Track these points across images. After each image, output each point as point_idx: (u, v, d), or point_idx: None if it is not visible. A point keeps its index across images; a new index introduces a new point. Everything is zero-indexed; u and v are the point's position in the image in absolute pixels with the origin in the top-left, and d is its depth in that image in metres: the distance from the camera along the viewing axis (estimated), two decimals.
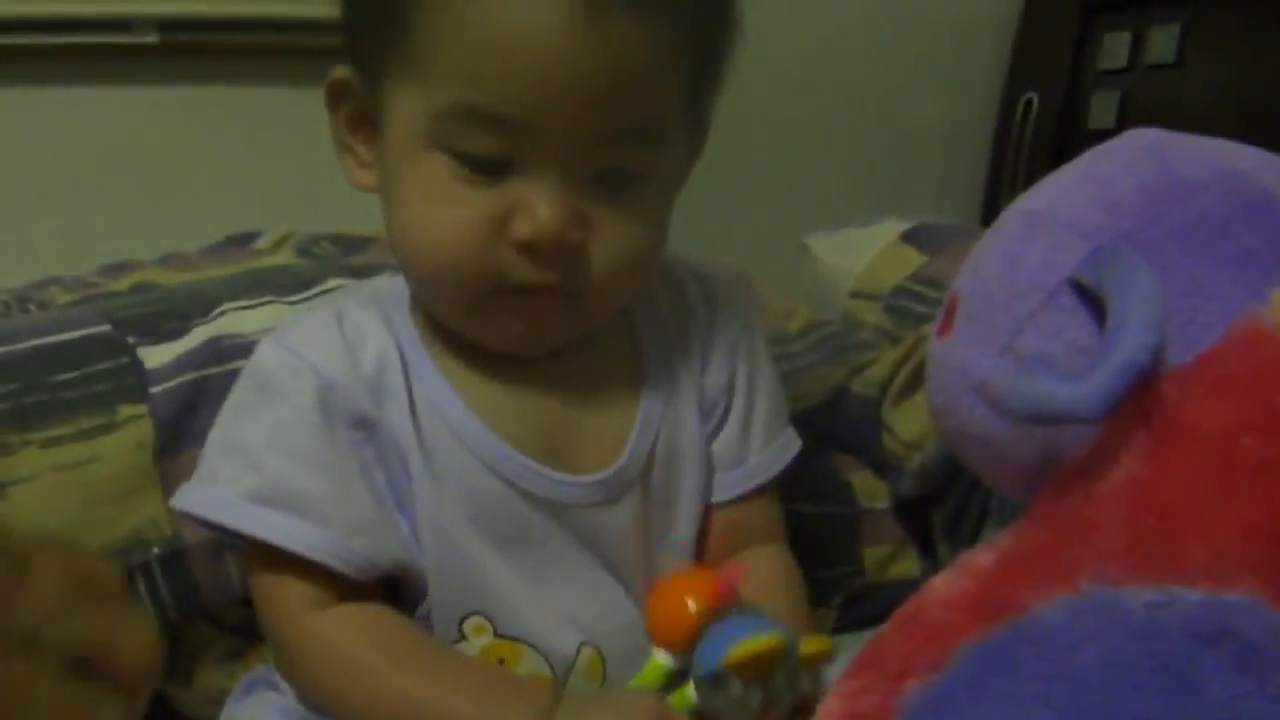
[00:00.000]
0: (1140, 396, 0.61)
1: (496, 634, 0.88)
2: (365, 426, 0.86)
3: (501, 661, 0.88)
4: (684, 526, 0.96)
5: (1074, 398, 0.60)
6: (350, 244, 1.44)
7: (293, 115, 1.68)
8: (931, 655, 0.64)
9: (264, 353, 0.89)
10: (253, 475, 0.85)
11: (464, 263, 0.82)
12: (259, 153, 1.82)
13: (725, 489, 0.99)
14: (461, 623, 0.87)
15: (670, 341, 0.98)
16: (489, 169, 0.80)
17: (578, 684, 0.89)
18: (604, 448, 0.92)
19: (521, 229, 0.80)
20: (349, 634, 0.85)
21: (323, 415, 0.86)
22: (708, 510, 0.99)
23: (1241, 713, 0.53)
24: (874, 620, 0.81)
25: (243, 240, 1.49)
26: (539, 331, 0.87)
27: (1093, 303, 0.65)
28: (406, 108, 0.82)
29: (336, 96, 0.90)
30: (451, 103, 0.79)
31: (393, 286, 0.95)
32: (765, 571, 0.99)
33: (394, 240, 0.87)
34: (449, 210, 0.81)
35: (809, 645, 0.80)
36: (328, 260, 1.38)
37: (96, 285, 1.30)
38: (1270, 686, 0.53)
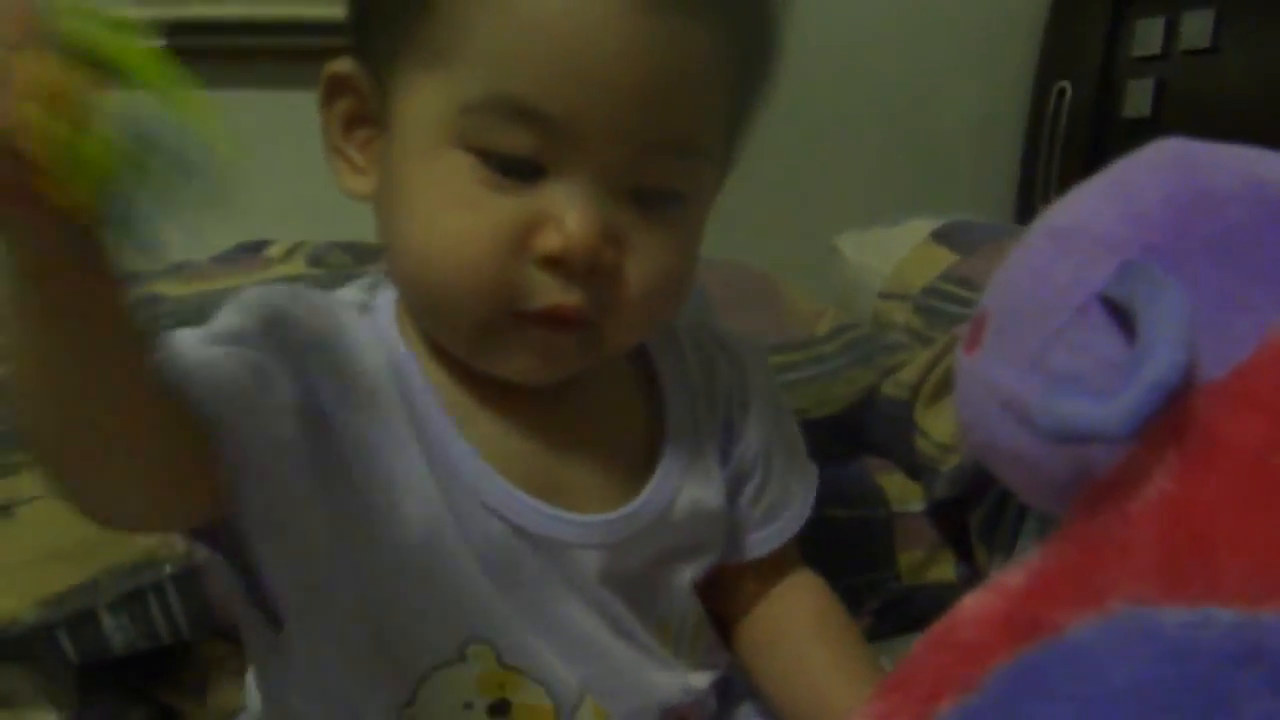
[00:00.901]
0: (1172, 412, 0.61)
1: (500, 663, 0.85)
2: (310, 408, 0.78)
3: (502, 687, 0.86)
4: (688, 580, 0.94)
5: (1103, 418, 0.60)
6: (363, 253, 1.44)
7: (302, 120, 1.70)
8: (962, 676, 0.64)
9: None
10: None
11: (479, 278, 0.75)
12: (267, 159, 1.82)
13: (760, 545, 0.99)
14: (464, 647, 0.84)
15: (696, 401, 0.95)
16: (518, 171, 0.74)
17: (584, 714, 0.88)
18: (610, 489, 0.89)
19: (549, 241, 0.74)
20: None
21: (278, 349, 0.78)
22: (722, 567, 0.97)
23: None
24: (909, 627, 0.81)
25: (253, 249, 1.50)
26: (551, 365, 0.82)
27: (1122, 318, 0.65)
28: (425, 100, 0.76)
29: (332, 92, 0.83)
30: (483, 93, 0.73)
31: (380, 299, 0.88)
32: (811, 606, 1.00)
33: (395, 252, 0.81)
34: (467, 216, 0.75)
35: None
36: (340, 270, 1.38)
37: None
38: None
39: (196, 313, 1.15)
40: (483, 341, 0.79)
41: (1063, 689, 0.59)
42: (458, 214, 0.74)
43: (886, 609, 1.31)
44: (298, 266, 1.41)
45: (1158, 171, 0.70)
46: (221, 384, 0.71)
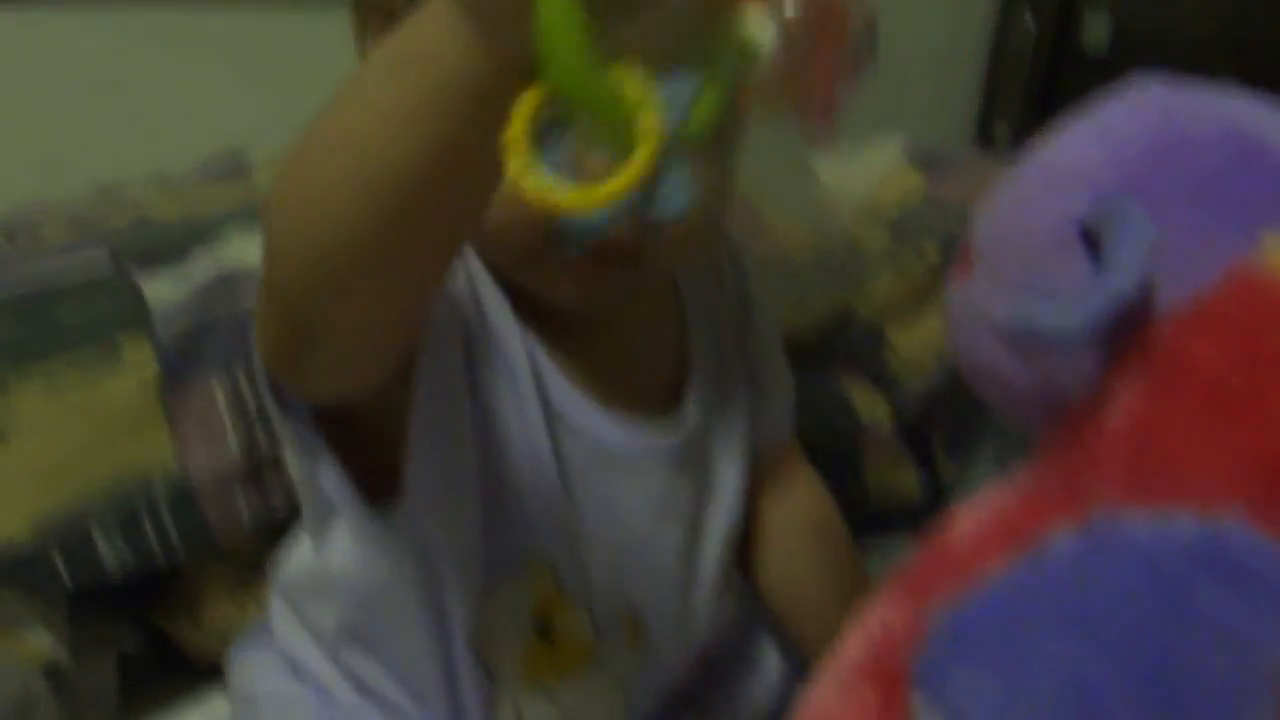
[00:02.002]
0: (1140, 337, 0.68)
1: (557, 585, 0.89)
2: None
3: (551, 611, 0.90)
4: (732, 484, 0.98)
5: (1063, 322, 0.67)
6: None
7: (279, 36, 1.71)
8: (955, 582, 0.71)
9: None
10: None
11: (526, 211, 0.76)
12: (246, 74, 1.83)
13: (767, 441, 1.04)
14: (528, 563, 0.88)
15: (713, 307, 0.99)
16: None
17: (618, 646, 0.93)
18: (660, 405, 0.93)
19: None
20: None
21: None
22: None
23: (1231, 624, 0.59)
24: (875, 531, 0.86)
25: (232, 158, 1.52)
26: (597, 293, 0.84)
27: (1097, 248, 0.71)
28: None
29: (366, 9, 0.83)
30: None
31: None
32: (805, 503, 1.06)
33: None
34: None
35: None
36: None
37: (91, 219, 1.30)
38: (1257, 600, 0.60)
39: (187, 234, 1.18)
40: (530, 270, 0.82)
41: (1045, 593, 0.66)
42: None
43: (852, 514, 1.33)
44: None
45: (1140, 115, 0.76)
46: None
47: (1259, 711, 0.58)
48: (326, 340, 0.67)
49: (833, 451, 1.35)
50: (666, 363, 0.96)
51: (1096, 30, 2.18)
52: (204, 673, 1.17)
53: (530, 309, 0.86)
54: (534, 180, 0.50)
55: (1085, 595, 0.65)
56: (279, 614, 1.00)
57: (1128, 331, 0.68)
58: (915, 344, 1.43)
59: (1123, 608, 0.63)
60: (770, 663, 1.07)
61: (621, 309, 0.90)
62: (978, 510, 0.76)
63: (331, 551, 0.93)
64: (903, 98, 2.30)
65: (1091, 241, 0.71)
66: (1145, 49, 2.10)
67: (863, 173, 1.68)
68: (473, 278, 0.85)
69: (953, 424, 1.40)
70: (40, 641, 1.03)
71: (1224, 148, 0.73)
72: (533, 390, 0.86)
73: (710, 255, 0.97)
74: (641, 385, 0.93)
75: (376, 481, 0.86)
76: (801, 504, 1.09)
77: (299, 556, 0.98)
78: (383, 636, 0.93)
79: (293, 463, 0.94)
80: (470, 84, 0.54)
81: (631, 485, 0.91)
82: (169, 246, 1.15)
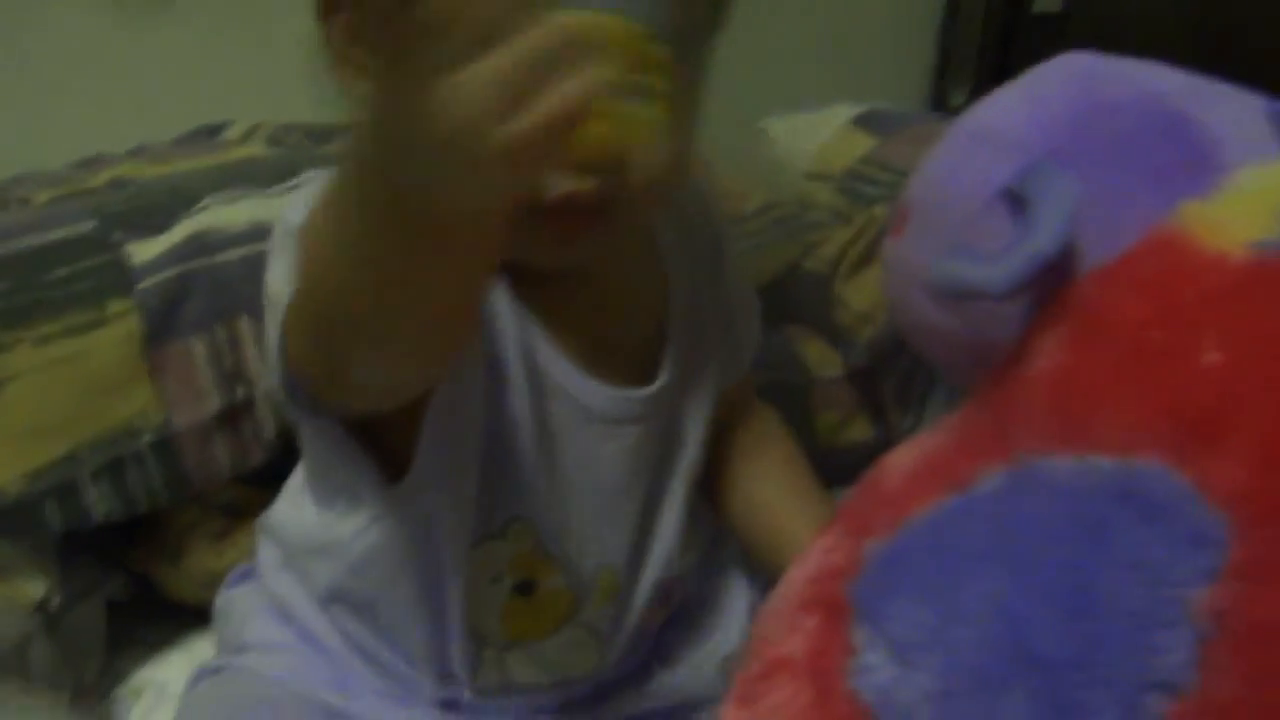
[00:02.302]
0: (1064, 293, 0.73)
1: (537, 545, 0.93)
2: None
3: (532, 569, 0.94)
4: (698, 431, 1.02)
5: (986, 276, 0.71)
6: (319, 134, 1.49)
7: (256, 7, 1.73)
8: (890, 519, 0.76)
9: None
10: None
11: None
12: (223, 45, 1.85)
13: (729, 375, 1.07)
14: (509, 524, 0.92)
15: (688, 260, 1.02)
16: None
17: (594, 597, 0.97)
18: (639, 363, 0.96)
19: None
20: None
21: None
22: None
23: (1145, 557, 0.64)
24: (828, 483, 0.91)
25: (212, 131, 1.55)
26: (573, 249, 0.87)
27: (1022, 208, 0.75)
28: None
29: (331, 5, 0.85)
30: None
31: None
32: (773, 432, 1.11)
33: None
34: None
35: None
36: (299, 151, 1.44)
37: (73, 181, 1.35)
38: (1170, 535, 0.64)
39: (168, 194, 1.22)
40: (512, 235, 0.84)
41: (973, 528, 0.72)
42: None
43: None
44: (258, 148, 1.45)
45: (1064, 82, 0.80)
46: None
47: (1174, 638, 0.63)
48: (357, 377, 0.74)
49: (785, 403, 1.35)
50: (647, 322, 0.99)
51: None
52: (185, 616, 1.22)
53: (514, 276, 0.89)
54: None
55: (1011, 530, 0.70)
56: (270, 563, 1.04)
57: (1051, 287, 0.73)
58: (865, 298, 1.47)
59: (1045, 542, 0.68)
60: (735, 617, 1.11)
61: (605, 272, 0.93)
62: (911, 452, 0.81)
63: (333, 519, 0.96)
64: (859, 61, 2.33)
65: (1017, 203, 0.75)
66: (1098, 8, 2.13)
67: (812, 135, 1.73)
68: None
69: (903, 375, 1.45)
70: (33, 587, 1.08)
71: (1147, 116, 0.77)
72: (519, 354, 0.89)
73: (677, 205, 1.00)
74: (622, 345, 0.96)
75: (384, 461, 0.90)
76: (763, 430, 1.13)
77: (300, 518, 1.01)
78: (375, 601, 0.96)
79: (306, 445, 0.99)
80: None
81: (608, 442, 0.94)
82: (155, 214, 1.19)
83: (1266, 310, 0.67)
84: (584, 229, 0.84)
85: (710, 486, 1.10)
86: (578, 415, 0.92)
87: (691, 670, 1.06)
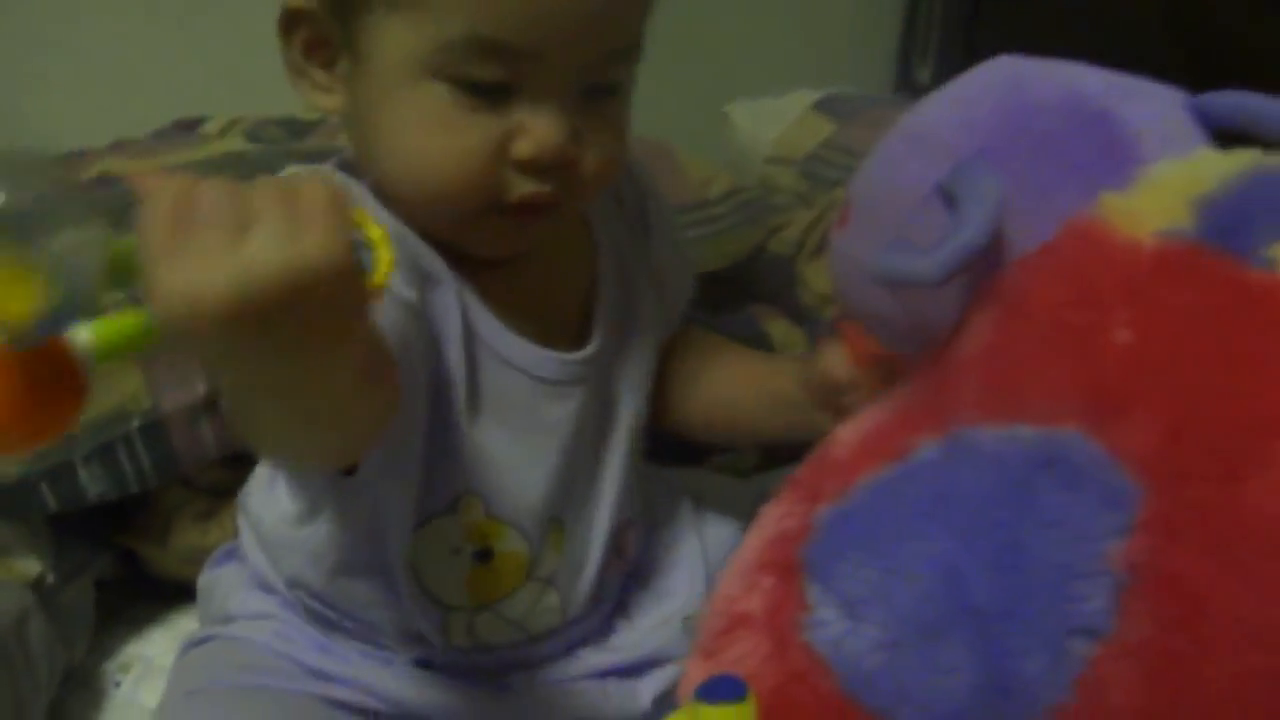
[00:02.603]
0: (993, 279, 0.79)
1: (487, 513, 0.99)
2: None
3: (486, 537, 0.99)
4: (639, 386, 1.08)
5: (921, 266, 0.78)
6: (297, 128, 1.53)
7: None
8: (838, 486, 0.83)
9: None
10: None
11: (469, 185, 0.88)
12: (197, 39, 1.87)
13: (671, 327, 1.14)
14: (458, 500, 0.98)
15: (619, 225, 1.08)
16: (490, 94, 0.86)
17: (547, 552, 1.02)
18: (574, 328, 1.03)
19: (525, 149, 0.86)
20: None
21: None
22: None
23: (1067, 517, 0.71)
24: (793, 458, 0.97)
25: (190, 125, 1.58)
26: (525, 240, 0.95)
27: (953, 204, 0.81)
28: (401, 39, 0.85)
29: (290, 24, 0.92)
30: (459, 34, 0.83)
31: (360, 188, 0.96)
32: (716, 340, 1.20)
33: (385, 165, 0.91)
34: (453, 138, 0.86)
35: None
36: (278, 145, 1.47)
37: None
38: (1089, 498, 0.70)
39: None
40: (469, 229, 0.92)
41: (913, 492, 0.79)
42: (444, 136, 0.87)
43: (768, 446, 1.44)
44: (236, 142, 1.48)
45: (991, 86, 0.86)
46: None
47: (1094, 588, 0.68)
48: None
49: None
50: (580, 290, 1.05)
51: None
52: (169, 595, 1.28)
53: (456, 256, 0.95)
54: None
55: (947, 495, 0.76)
56: (248, 540, 1.09)
57: (981, 274, 0.79)
58: (827, 279, 1.48)
59: (978, 505, 0.75)
60: (692, 581, 1.16)
61: (540, 248, 0.99)
62: (857, 426, 0.87)
63: (289, 513, 1.03)
64: (824, 44, 2.36)
65: (948, 199, 0.82)
66: None
67: (775, 120, 1.76)
68: (403, 239, 0.92)
69: None
70: (29, 565, 1.13)
71: (1069, 115, 0.83)
72: (460, 329, 0.94)
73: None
74: (558, 313, 1.02)
75: None
76: (710, 345, 1.21)
77: (264, 505, 1.07)
78: (334, 587, 1.02)
79: None
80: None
81: (555, 404, 1.00)
82: (138, 209, 1.21)
83: (1172, 293, 0.73)
84: (539, 222, 0.93)
85: (671, 411, 1.18)
86: (524, 382, 0.98)
87: (653, 628, 1.12)
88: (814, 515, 0.83)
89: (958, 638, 0.73)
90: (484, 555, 1.01)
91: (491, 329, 0.96)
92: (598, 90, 0.90)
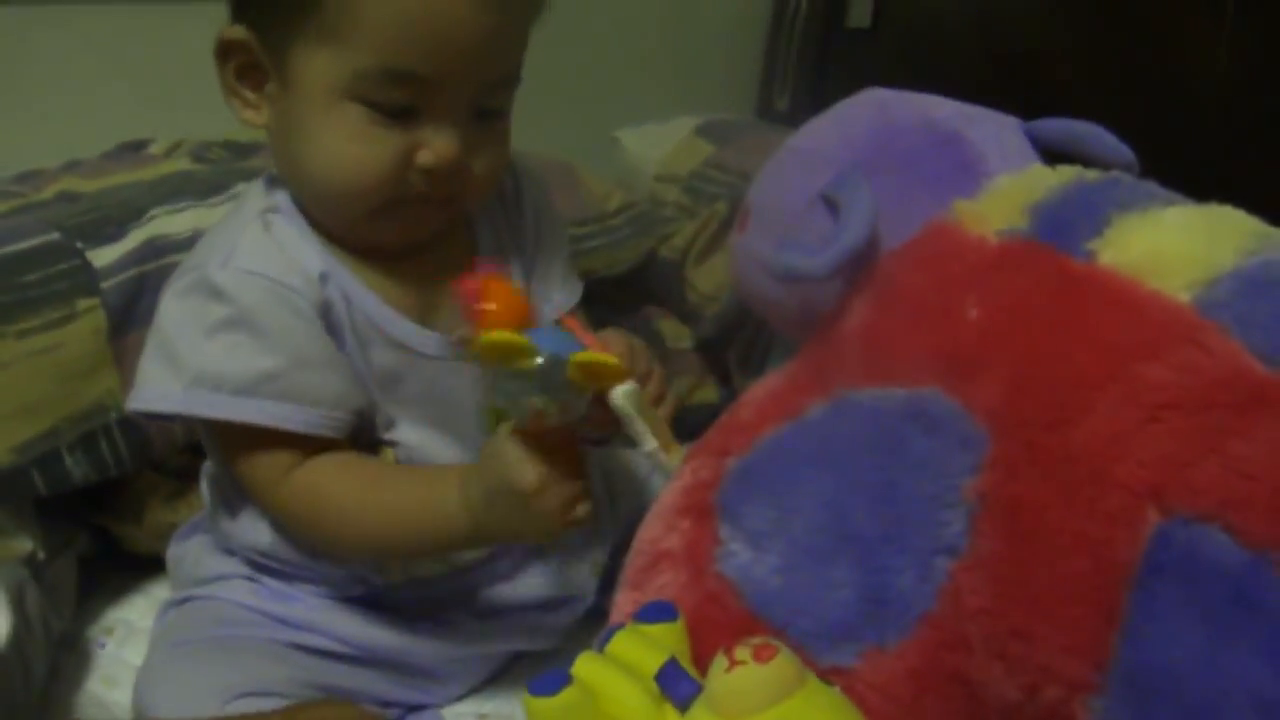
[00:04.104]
0: (868, 270, 0.92)
1: (409, 459, 1.09)
2: (323, 313, 1.03)
3: None
4: None
5: (811, 264, 0.91)
6: (240, 149, 1.59)
7: (163, 27, 1.82)
8: (743, 442, 0.96)
9: (221, 279, 1.01)
10: (243, 369, 1.00)
11: (380, 187, 0.99)
12: (134, 62, 1.90)
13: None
14: (381, 451, 1.08)
15: (502, 238, 1.17)
16: (398, 114, 0.97)
17: None
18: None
19: (426, 159, 0.98)
20: (333, 475, 1.04)
21: (297, 317, 1.01)
22: None
23: (930, 458, 0.83)
24: (686, 436, 1.06)
25: (136, 147, 1.63)
26: (419, 231, 1.06)
27: (835, 210, 0.95)
28: (324, 67, 0.97)
29: (225, 53, 1.02)
30: (373, 64, 0.95)
31: (279, 199, 1.08)
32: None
33: (303, 173, 1.03)
34: (366, 149, 0.98)
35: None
36: (224, 165, 1.54)
37: (21, 194, 1.43)
38: (948, 442, 0.83)
39: (119, 207, 1.33)
40: (373, 222, 1.03)
41: (804, 446, 0.92)
42: (358, 147, 0.98)
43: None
44: (183, 163, 1.55)
45: (864, 110, 1.00)
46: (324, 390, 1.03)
47: (953, 515, 0.80)
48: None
49: None
50: (458, 273, 1.10)
51: (860, 7, 2.32)
52: (143, 566, 1.34)
53: (339, 248, 1.06)
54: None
55: (832, 445, 0.89)
56: (214, 511, 1.17)
57: (859, 267, 0.92)
58: (710, 281, 1.63)
59: (858, 451, 0.87)
60: (598, 530, 1.23)
61: (425, 243, 1.09)
62: (758, 392, 1.00)
63: (227, 486, 1.13)
64: (695, 70, 2.46)
65: (831, 206, 0.95)
66: (901, 25, 2.29)
67: (660, 143, 1.89)
68: (283, 245, 1.05)
69: (744, 345, 1.58)
70: (22, 543, 1.20)
71: (927, 136, 0.97)
72: (347, 316, 1.05)
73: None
74: (442, 299, 1.09)
75: None
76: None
77: (209, 486, 1.17)
78: (282, 539, 1.12)
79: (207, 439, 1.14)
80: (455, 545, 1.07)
81: (449, 377, 1.09)
82: (109, 224, 1.30)
83: (1012, 279, 0.86)
84: (435, 215, 1.05)
85: None
86: (409, 358, 1.08)
87: (564, 568, 1.21)
88: (723, 466, 0.95)
89: (843, 561, 0.85)
90: None
91: (378, 311, 1.06)
92: (486, 113, 1.02)
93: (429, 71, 0.96)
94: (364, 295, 1.06)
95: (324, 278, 1.04)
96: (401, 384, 1.08)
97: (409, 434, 1.09)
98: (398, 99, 0.97)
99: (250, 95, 1.04)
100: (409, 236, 1.06)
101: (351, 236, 1.06)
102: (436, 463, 1.10)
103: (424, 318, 1.08)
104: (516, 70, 1.04)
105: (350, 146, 0.99)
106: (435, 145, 0.98)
